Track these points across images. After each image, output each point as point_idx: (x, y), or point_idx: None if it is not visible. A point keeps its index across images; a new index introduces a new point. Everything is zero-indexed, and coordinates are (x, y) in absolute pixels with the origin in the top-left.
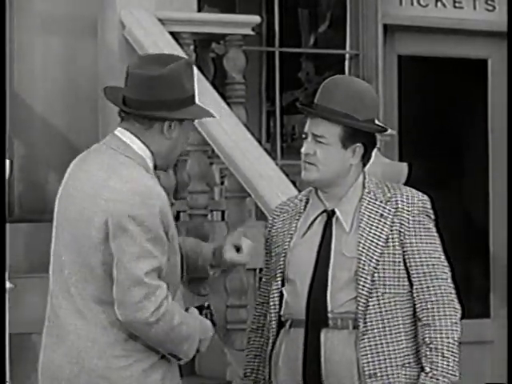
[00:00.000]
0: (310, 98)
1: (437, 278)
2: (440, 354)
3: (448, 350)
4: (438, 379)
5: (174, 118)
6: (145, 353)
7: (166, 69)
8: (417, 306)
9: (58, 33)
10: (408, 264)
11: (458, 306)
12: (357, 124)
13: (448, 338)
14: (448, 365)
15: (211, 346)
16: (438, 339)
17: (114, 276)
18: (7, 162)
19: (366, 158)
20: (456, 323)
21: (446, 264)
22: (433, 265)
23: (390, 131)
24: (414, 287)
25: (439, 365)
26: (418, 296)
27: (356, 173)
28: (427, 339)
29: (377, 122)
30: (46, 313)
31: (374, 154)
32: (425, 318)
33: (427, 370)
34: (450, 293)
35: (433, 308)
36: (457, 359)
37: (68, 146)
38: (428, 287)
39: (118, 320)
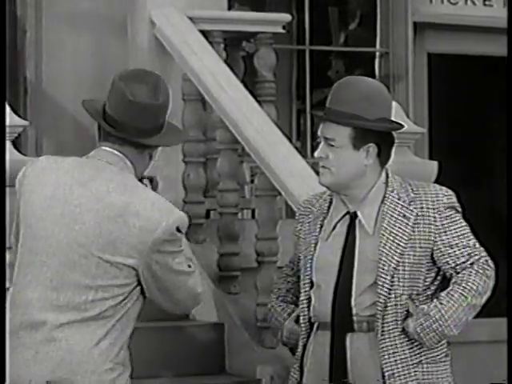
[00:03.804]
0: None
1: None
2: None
3: (464, 299)
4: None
5: (169, 144)
6: (125, 365)
7: (162, 97)
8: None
9: (88, 31)
10: (443, 260)
11: (492, 281)
12: (365, 124)
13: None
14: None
15: (242, 344)
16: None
17: (164, 297)
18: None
19: (382, 157)
20: (480, 291)
21: (481, 248)
22: (468, 254)
23: (420, 129)
24: (455, 274)
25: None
26: (455, 272)
27: (374, 173)
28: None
29: (393, 119)
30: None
31: (393, 152)
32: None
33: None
34: (489, 266)
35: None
36: (459, 318)
37: None
38: (464, 262)
39: (109, 333)
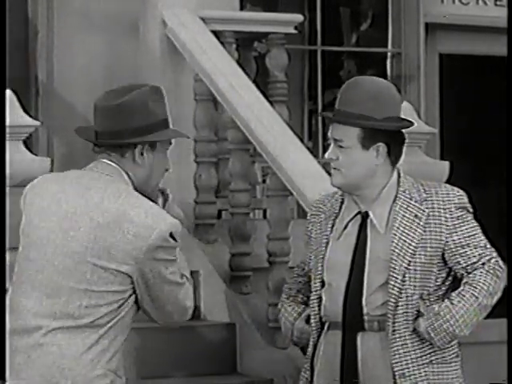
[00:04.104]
0: None
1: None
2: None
3: (474, 300)
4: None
5: (140, 141)
6: (118, 374)
7: (128, 96)
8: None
9: (99, 32)
10: (455, 260)
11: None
12: (373, 124)
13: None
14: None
15: (254, 344)
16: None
17: (156, 305)
18: (48, 159)
19: (393, 157)
20: (490, 292)
21: (492, 249)
22: (479, 254)
23: (431, 129)
24: (466, 274)
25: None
26: (466, 272)
27: (385, 173)
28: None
29: (403, 117)
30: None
31: (404, 151)
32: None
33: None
34: (500, 267)
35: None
36: (469, 318)
37: None
38: (475, 262)
39: (101, 339)
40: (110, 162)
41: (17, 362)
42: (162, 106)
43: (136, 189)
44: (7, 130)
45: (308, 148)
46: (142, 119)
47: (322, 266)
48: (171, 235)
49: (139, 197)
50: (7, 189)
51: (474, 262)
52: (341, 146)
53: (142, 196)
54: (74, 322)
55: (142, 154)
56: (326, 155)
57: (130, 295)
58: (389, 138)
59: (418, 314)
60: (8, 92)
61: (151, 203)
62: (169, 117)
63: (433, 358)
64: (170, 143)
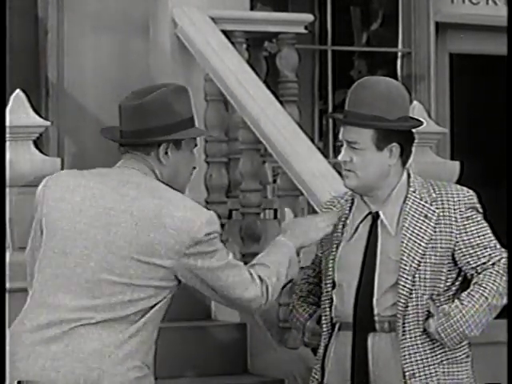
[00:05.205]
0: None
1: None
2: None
3: (481, 304)
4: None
5: (163, 140)
6: (151, 368)
7: (150, 96)
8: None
9: (109, 32)
10: (464, 260)
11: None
12: (388, 125)
13: (491, 291)
14: (469, 315)
15: (265, 344)
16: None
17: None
18: (58, 160)
19: (404, 156)
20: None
21: (502, 249)
22: (489, 255)
23: (441, 129)
24: (475, 275)
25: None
26: (476, 272)
27: (397, 172)
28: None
29: (412, 116)
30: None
31: (413, 150)
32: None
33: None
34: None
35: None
36: (479, 319)
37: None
38: (485, 263)
39: (140, 331)
40: (134, 159)
41: (52, 350)
42: (187, 105)
43: None
44: (18, 130)
45: (318, 148)
46: (164, 118)
47: (333, 266)
48: (211, 228)
49: (173, 191)
50: (18, 189)
51: (484, 263)
52: (355, 148)
53: (174, 190)
54: (116, 314)
55: (166, 153)
56: (340, 157)
57: (169, 292)
58: (402, 138)
59: (429, 315)
60: (18, 92)
61: (185, 197)
62: (194, 116)
63: (443, 358)
64: (196, 144)
